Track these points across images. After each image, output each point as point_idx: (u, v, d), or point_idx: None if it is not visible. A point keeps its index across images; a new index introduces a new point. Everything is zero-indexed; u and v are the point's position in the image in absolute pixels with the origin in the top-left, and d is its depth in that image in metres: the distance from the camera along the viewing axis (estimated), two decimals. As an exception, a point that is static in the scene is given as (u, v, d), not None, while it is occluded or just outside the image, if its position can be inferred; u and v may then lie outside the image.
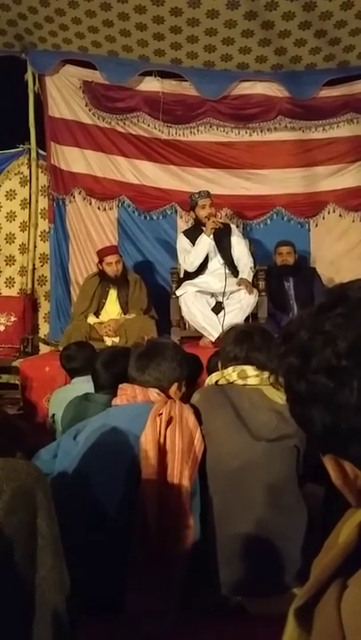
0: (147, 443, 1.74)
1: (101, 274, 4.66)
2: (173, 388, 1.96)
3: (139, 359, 1.99)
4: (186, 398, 2.12)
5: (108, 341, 4.27)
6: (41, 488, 1.18)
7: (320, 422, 0.63)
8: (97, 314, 4.60)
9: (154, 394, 1.90)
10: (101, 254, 4.69)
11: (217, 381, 2.03)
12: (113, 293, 4.63)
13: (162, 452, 1.74)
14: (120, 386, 2.00)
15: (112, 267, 4.60)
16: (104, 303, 4.63)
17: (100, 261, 4.67)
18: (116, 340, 4.28)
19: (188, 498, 1.73)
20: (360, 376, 0.59)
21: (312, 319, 0.65)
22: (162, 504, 1.69)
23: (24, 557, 1.14)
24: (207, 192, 4.60)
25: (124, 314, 4.55)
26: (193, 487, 1.78)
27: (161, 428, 1.76)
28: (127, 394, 1.94)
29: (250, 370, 1.96)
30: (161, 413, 1.79)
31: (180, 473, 1.74)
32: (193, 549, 1.74)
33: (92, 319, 4.53)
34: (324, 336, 0.62)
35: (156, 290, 4.99)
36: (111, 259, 4.61)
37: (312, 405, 0.63)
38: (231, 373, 1.97)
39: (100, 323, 4.45)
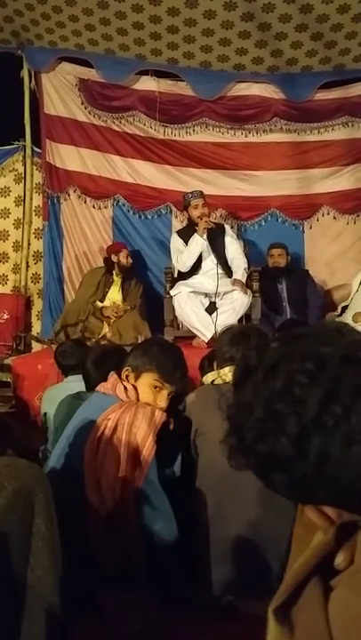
0: (90, 440, 1.72)
1: (110, 265, 4.88)
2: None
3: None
4: (178, 400, 2.10)
5: (106, 328, 4.50)
6: (42, 489, 1.18)
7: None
8: (101, 301, 4.85)
9: (121, 388, 1.84)
10: (115, 249, 4.95)
11: (213, 381, 2.03)
12: (118, 282, 4.90)
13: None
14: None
15: (127, 259, 4.91)
16: (107, 292, 4.87)
17: (114, 254, 4.89)
18: (110, 334, 4.47)
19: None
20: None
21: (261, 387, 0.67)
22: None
23: (20, 556, 1.13)
24: (200, 192, 4.60)
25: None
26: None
27: (104, 433, 1.72)
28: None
29: (246, 370, 1.96)
30: (109, 419, 1.75)
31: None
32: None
33: (97, 304, 4.78)
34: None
35: (149, 289, 5.00)
36: (126, 252, 4.93)
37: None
38: (227, 373, 1.98)
39: (105, 307, 4.74)
